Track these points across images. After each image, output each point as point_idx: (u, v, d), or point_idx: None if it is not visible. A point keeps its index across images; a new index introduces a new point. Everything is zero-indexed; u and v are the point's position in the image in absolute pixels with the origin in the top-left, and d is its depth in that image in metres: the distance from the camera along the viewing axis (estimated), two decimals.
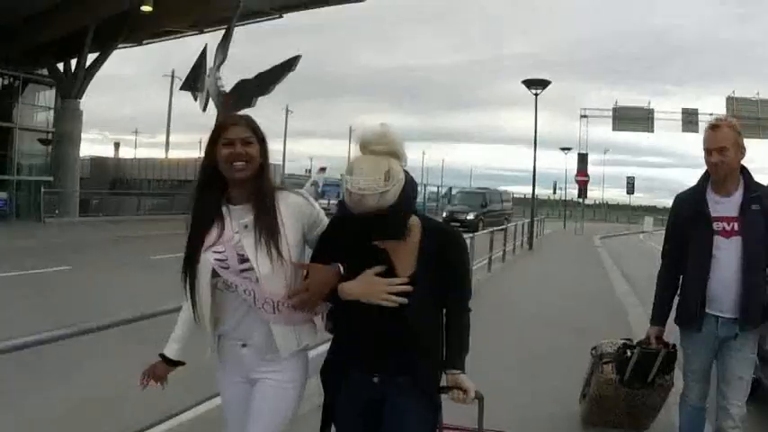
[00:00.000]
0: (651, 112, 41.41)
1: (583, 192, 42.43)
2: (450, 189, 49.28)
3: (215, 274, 2.42)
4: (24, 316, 7.27)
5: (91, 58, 27.01)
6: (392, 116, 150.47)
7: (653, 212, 50.12)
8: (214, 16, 27.66)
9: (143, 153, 44.07)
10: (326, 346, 2.56)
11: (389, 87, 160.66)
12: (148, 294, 8.27)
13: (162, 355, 2.63)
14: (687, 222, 3.62)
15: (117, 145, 60.28)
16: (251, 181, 2.42)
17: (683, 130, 40.41)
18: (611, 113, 41.84)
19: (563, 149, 46.86)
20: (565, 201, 53.35)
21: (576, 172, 42.20)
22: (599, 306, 10.34)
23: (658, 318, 3.90)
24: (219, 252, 2.40)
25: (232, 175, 2.38)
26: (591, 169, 43.90)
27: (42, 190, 25.04)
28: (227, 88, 24.79)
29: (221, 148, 2.37)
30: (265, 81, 24.62)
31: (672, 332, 3.92)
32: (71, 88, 26.87)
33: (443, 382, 2.46)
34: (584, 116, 43.01)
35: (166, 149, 47.85)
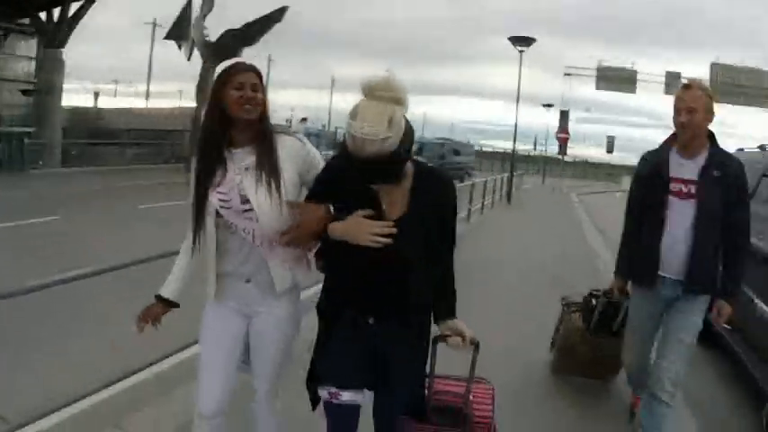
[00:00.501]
0: (634, 73, 41.64)
1: (563, 149, 42.80)
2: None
3: (218, 214, 2.53)
4: (27, 263, 7.53)
5: (74, 6, 26.67)
6: (373, 68, 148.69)
7: (632, 172, 51.12)
8: None
9: (123, 103, 43.40)
10: (317, 287, 2.65)
11: (372, 40, 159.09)
12: (140, 242, 8.64)
13: (158, 296, 2.70)
14: (646, 181, 3.64)
15: (96, 95, 59.40)
16: (255, 124, 2.52)
17: (666, 93, 40.65)
18: (594, 72, 41.99)
19: (545, 106, 47.11)
20: (545, 157, 53.53)
21: (557, 129, 42.46)
22: (572, 259, 10.66)
23: (621, 270, 3.94)
24: (223, 193, 2.50)
25: (241, 116, 2.47)
26: (572, 127, 44.00)
27: (26, 141, 24.89)
28: (213, 38, 24.64)
29: (231, 91, 2.45)
30: (251, 32, 24.49)
31: None
32: (54, 38, 26.50)
33: (437, 332, 2.53)
34: (568, 74, 43.15)
35: (147, 99, 47.41)
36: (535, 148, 59.42)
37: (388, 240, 2.28)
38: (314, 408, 2.60)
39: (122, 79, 68.79)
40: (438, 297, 2.52)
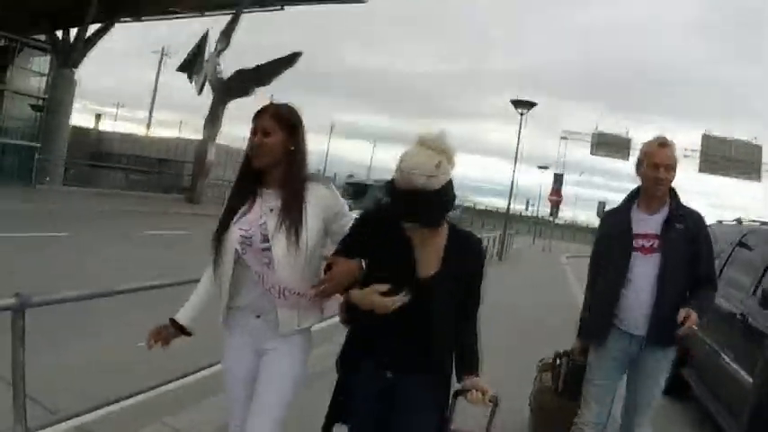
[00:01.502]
0: (629, 140, 42.60)
1: (554, 210, 43.41)
2: None
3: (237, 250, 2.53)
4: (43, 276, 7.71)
5: (91, 28, 27.22)
6: (371, 117, 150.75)
7: None
8: (217, 0, 28.21)
9: (123, 127, 43.83)
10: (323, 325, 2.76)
11: (371, 88, 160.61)
12: (153, 266, 8.99)
13: (172, 320, 2.71)
14: (609, 239, 3.64)
15: (98, 117, 59.80)
16: (278, 168, 2.52)
17: None
18: (590, 138, 42.93)
19: (540, 168, 47.82)
20: (536, 218, 54.26)
21: (550, 190, 43.05)
22: (558, 312, 10.70)
23: (583, 332, 3.90)
24: (245, 230, 2.51)
25: (254, 163, 2.51)
26: (565, 189, 44.83)
27: (36, 156, 25.18)
28: (225, 75, 25.35)
29: (252, 137, 2.51)
30: (264, 73, 25.18)
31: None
32: (68, 57, 27.06)
33: (460, 386, 2.51)
34: (565, 138, 44.08)
35: (148, 126, 47.93)
36: (527, 209, 60.17)
37: (396, 307, 2.30)
38: None
39: (124, 104, 69.09)
40: (461, 354, 2.53)
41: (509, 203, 26.75)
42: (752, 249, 5.77)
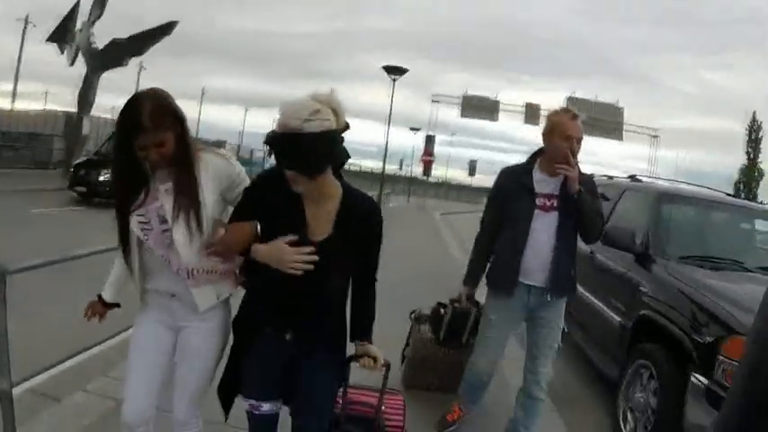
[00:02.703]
0: (497, 103, 44.56)
1: (427, 170, 45.26)
2: None
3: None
4: None
5: None
6: (245, 80, 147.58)
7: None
8: None
9: None
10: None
11: (244, 51, 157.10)
12: (51, 243, 8.53)
13: (99, 296, 2.79)
14: (511, 194, 3.79)
15: None
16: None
17: (525, 122, 44.13)
18: (460, 100, 44.64)
19: (412, 129, 49.24)
20: (410, 178, 55.18)
21: (422, 151, 44.83)
22: (433, 269, 11.26)
23: (471, 279, 4.14)
24: (142, 215, 2.47)
25: (150, 169, 2.43)
26: (437, 150, 46.62)
27: None
28: (100, 45, 24.61)
29: (137, 149, 2.34)
30: (139, 43, 24.70)
31: (482, 295, 4.13)
32: None
33: (351, 352, 2.56)
34: (436, 101, 45.74)
35: (13, 99, 45.46)
36: (401, 169, 61.94)
37: (309, 267, 2.31)
38: (227, 417, 2.68)
39: None
40: (355, 318, 2.57)
41: (384, 164, 28.16)
42: (608, 200, 6.13)
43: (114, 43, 24.47)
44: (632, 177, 7.22)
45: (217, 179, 2.51)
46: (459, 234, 20.91)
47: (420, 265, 11.60)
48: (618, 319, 5.27)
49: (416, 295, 6.37)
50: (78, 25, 24.54)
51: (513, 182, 3.82)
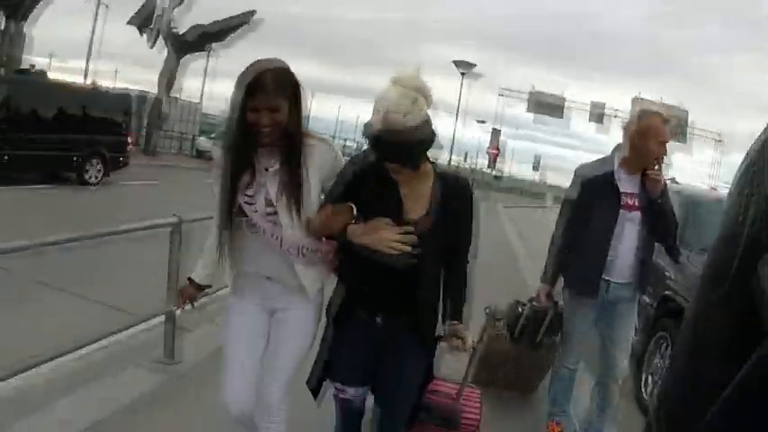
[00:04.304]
0: (563, 100, 43.74)
1: (493, 164, 45.33)
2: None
3: (242, 214, 2.49)
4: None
5: None
6: (312, 66, 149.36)
7: (555, 191, 53.95)
8: None
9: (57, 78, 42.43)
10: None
11: (313, 37, 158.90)
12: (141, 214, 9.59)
13: (190, 279, 2.82)
14: (595, 193, 3.75)
15: (32, 67, 57.65)
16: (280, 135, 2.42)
17: (590, 120, 43.46)
18: (527, 96, 44.05)
19: (478, 122, 49.56)
20: (474, 170, 55.27)
21: (488, 144, 44.94)
22: (497, 261, 10.87)
23: (550, 277, 4.05)
24: (249, 196, 2.46)
25: (260, 139, 2.37)
26: (502, 143, 46.53)
27: None
28: (181, 30, 25.69)
29: (248, 112, 2.31)
30: (220, 30, 25.73)
31: (559, 293, 4.09)
32: (17, 10, 26.80)
33: (441, 332, 2.52)
34: (502, 95, 45.47)
35: (85, 76, 47.18)
36: (465, 161, 62.07)
37: (407, 248, 2.29)
38: (316, 398, 2.69)
39: (55, 54, 66.88)
40: (447, 299, 2.53)
41: (450, 156, 28.39)
42: None
43: (197, 28, 25.49)
44: (672, 180, 7.22)
45: (321, 165, 2.51)
46: (517, 225, 21.51)
47: (481, 254, 11.55)
48: (647, 299, 5.43)
49: (477, 283, 6.31)
50: (159, 10, 25.59)
51: (597, 180, 3.78)
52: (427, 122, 2.29)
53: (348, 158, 2.64)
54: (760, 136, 0.87)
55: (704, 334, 0.87)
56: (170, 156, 27.70)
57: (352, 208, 2.37)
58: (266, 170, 2.45)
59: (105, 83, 39.90)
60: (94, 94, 15.95)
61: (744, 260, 0.78)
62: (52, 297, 5.84)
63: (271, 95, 2.30)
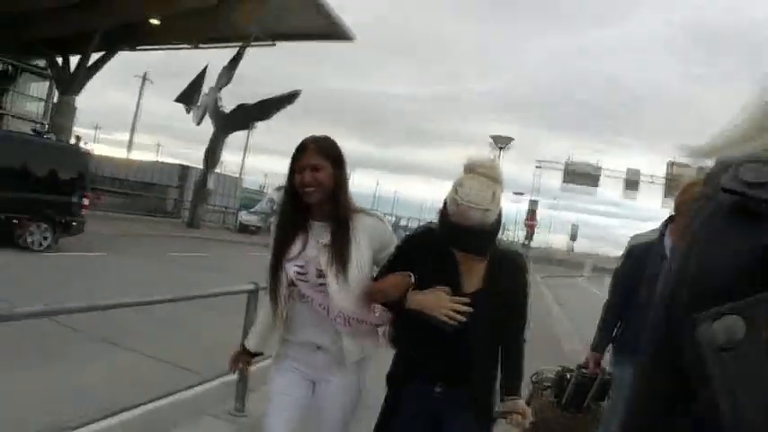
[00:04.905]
0: (599, 169, 43.90)
1: (530, 236, 45.00)
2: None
3: (291, 284, 2.55)
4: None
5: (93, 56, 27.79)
6: (350, 141, 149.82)
7: (593, 259, 52.92)
8: (212, 34, 29.21)
9: (102, 150, 44.12)
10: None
11: (351, 113, 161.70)
12: (196, 282, 10.12)
13: (243, 346, 2.89)
14: (643, 263, 3.75)
15: (78, 139, 59.21)
16: (326, 203, 2.51)
17: (626, 188, 43.25)
18: (563, 167, 44.30)
19: (516, 194, 49.22)
20: (511, 242, 54.92)
21: (525, 216, 44.55)
22: (537, 332, 11.58)
23: (601, 345, 4.07)
24: (300, 266, 2.53)
25: (305, 199, 2.49)
26: (539, 213, 46.33)
27: None
28: (227, 109, 26.60)
29: (295, 174, 2.48)
30: (266, 109, 26.58)
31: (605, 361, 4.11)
32: (70, 85, 27.79)
33: (499, 408, 2.49)
34: (539, 167, 45.65)
35: (129, 148, 48.62)
36: (503, 233, 61.38)
37: (462, 318, 2.30)
38: None
39: (101, 126, 69.08)
40: (505, 374, 2.52)
41: None
42: None
43: (242, 107, 26.40)
44: None
45: (371, 238, 2.57)
46: (558, 296, 21.33)
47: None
48: None
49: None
50: (206, 89, 26.46)
51: (647, 250, 3.80)
52: (500, 213, 2.33)
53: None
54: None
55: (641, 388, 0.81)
56: (213, 229, 28.22)
57: (410, 276, 2.40)
58: (317, 242, 2.52)
59: (149, 156, 41.44)
60: (42, 146, 13.69)
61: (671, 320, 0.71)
62: (125, 355, 6.33)
63: (312, 154, 2.46)
